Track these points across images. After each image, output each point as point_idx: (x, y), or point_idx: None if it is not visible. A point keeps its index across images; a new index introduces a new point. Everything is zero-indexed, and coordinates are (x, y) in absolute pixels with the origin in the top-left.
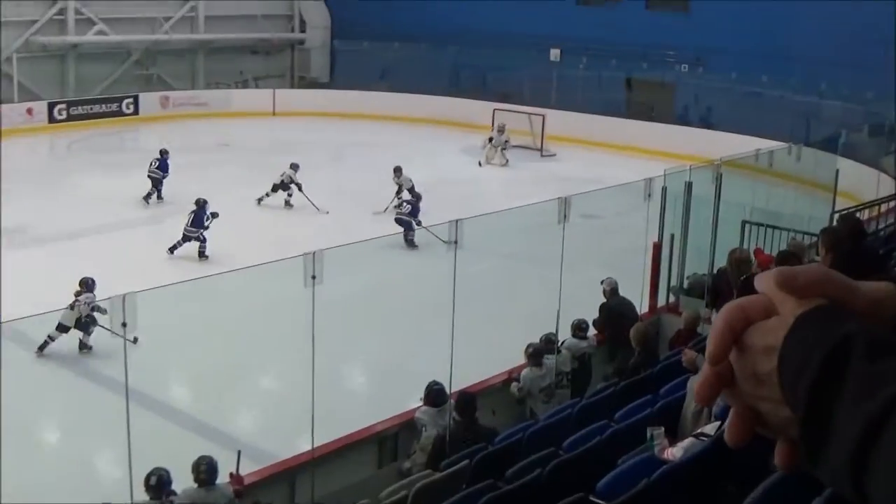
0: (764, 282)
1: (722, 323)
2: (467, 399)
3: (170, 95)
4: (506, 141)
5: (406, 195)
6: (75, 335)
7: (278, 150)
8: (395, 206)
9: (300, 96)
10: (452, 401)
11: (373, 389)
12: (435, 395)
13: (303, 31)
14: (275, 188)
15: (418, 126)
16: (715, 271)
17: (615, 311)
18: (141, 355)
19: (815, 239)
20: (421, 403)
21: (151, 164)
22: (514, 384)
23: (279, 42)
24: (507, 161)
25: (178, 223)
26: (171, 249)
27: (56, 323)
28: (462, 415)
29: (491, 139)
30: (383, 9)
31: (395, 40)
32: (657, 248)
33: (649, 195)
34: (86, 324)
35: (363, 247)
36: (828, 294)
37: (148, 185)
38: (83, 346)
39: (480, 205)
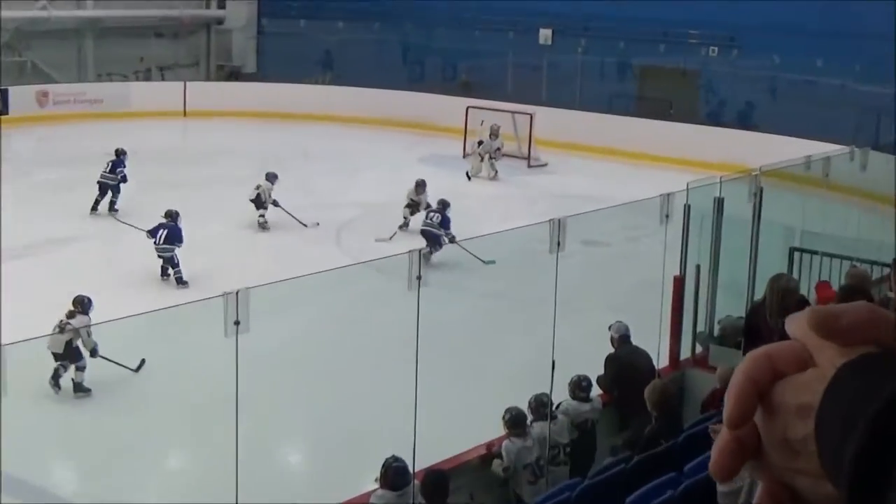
0: (796, 324)
1: (743, 376)
2: (437, 479)
3: (49, 90)
4: (497, 149)
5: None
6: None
7: (190, 161)
8: (408, 219)
9: (219, 91)
10: (417, 482)
11: (315, 468)
12: (394, 474)
13: (221, 6)
14: (257, 205)
15: (369, 129)
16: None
17: (626, 364)
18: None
19: (885, 271)
20: (377, 486)
21: (106, 168)
22: (496, 461)
23: (191, 21)
24: (497, 173)
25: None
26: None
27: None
28: (430, 500)
29: (480, 143)
30: None
31: (340, 19)
32: (679, 283)
33: (668, 216)
34: (75, 353)
35: (302, 283)
36: (879, 339)
37: (96, 191)
38: (79, 389)
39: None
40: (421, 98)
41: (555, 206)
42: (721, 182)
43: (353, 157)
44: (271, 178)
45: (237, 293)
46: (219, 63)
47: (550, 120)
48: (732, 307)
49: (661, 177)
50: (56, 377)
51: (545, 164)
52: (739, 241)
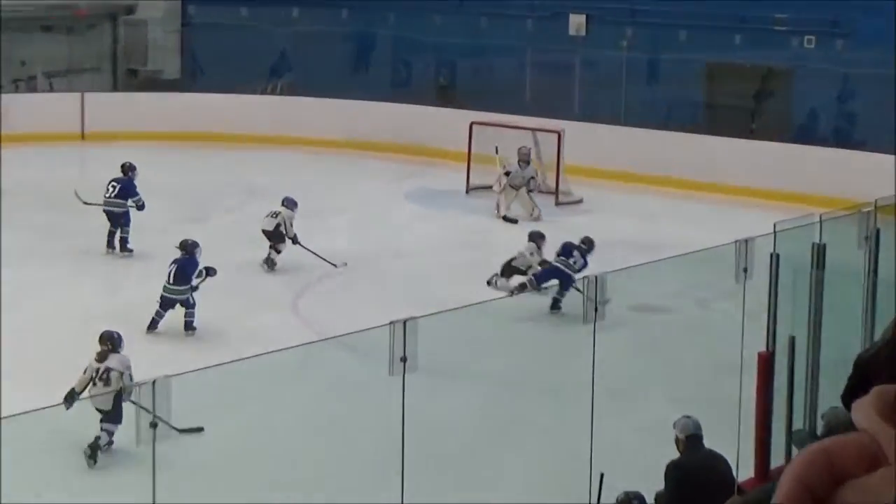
0: (863, 412)
1: (794, 481)
2: None
3: None
4: (531, 178)
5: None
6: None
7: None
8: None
9: (129, 105)
10: None
11: None
12: None
13: None
14: (273, 238)
15: (337, 155)
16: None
17: (695, 475)
18: None
19: None
20: None
21: (107, 191)
22: None
23: (91, 11)
24: (539, 211)
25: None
26: (151, 326)
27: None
28: None
29: (508, 174)
30: None
31: (295, 4)
32: (766, 363)
33: (746, 270)
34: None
35: (251, 365)
36: None
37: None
38: (97, 448)
39: (448, 291)
40: (407, 112)
41: (592, 258)
42: (821, 221)
43: (315, 194)
44: (291, 204)
45: (153, 383)
46: (129, 67)
47: (585, 139)
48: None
49: (738, 216)
50: (96, 446)
51: (579, 201)
52: (848, 301)
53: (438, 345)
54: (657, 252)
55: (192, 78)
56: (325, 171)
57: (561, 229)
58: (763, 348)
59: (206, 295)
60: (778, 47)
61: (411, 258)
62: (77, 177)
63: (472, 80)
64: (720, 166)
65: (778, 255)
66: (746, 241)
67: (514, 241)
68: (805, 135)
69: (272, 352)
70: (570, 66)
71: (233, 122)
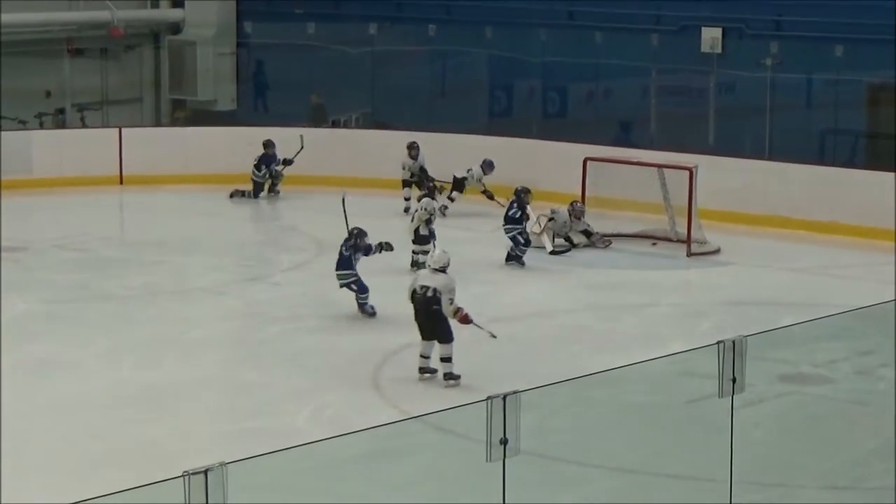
0: None
1: None
2: None
3: None
4: (577, 217)
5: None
6: None
7: (130, 262)
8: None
9: (176, 142)
10: None
11: None
12: None
13: (178, 4)
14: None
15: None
16: None
17: None
18: None
19: None
20: None
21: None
22: None
23: (129, 30)
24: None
25: None
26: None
27: None
28: None
29: (551, 219)
30: None
31: (371, 19)
32: None
33: None
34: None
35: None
36: None
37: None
38: None
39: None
40: (507, 146)
41: (732, 320)
42: None
43: (397, 243)
44: (487, 166)
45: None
46: (175, 96)
47: (722, 177)
48: None
49: None
50: None
51: (716, 251)
52: None
53: (545, 423)
54: (810, 311)
55: (250, 109)
56: (408, 217)
57: (694, 286)
58: None
59: (271, 368)
60: None
61: (512, 322)
62: (115, 229)
63: (585, 107)
64: (885, 208)
65: None
66: None
67: (620, 300)
68: None
69: (345, 434)
70: (704, 89)
71: (298, 160)
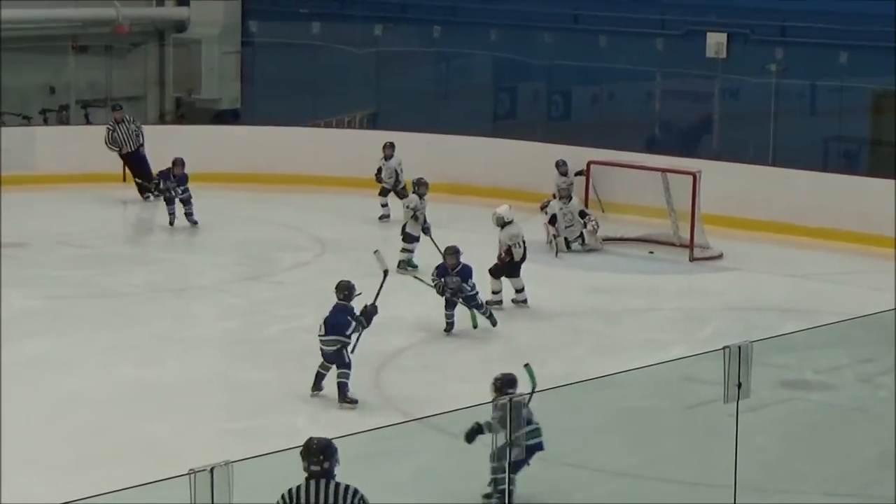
0: None
1: None
2: None
3: None
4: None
5: None
6: None
7: (134, 262)
8: None
9: (179, 140)
10: None
11: None
12: None
13: (183, 3)
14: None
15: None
16: None
17: None
18: None
19: None
20: None
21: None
22: None
23: (134, 28)
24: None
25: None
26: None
27: None
28: None
29: (553, 233)
30: None
31: (376, 20)
32: None
33: None
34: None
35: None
36: None
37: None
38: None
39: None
40: (511, 148)
41: (736, 326)
42: None
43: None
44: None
45: (211, 471)
46: (179, 94)
47: (725, 183)
48: None
49: None
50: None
51: (718, 256)
52: None
53: (549, 427)
54: (813, 318)
55: (254, 108)
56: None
57: (696, 291)
58: None
59: (271, 367)
60: None
61: (514, 323)
62: (117, 226)
63: (589, 110)
64: (888, 216)
65: None
66: None
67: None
68: None
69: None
70: (708, 94)
71: (302, 160)
